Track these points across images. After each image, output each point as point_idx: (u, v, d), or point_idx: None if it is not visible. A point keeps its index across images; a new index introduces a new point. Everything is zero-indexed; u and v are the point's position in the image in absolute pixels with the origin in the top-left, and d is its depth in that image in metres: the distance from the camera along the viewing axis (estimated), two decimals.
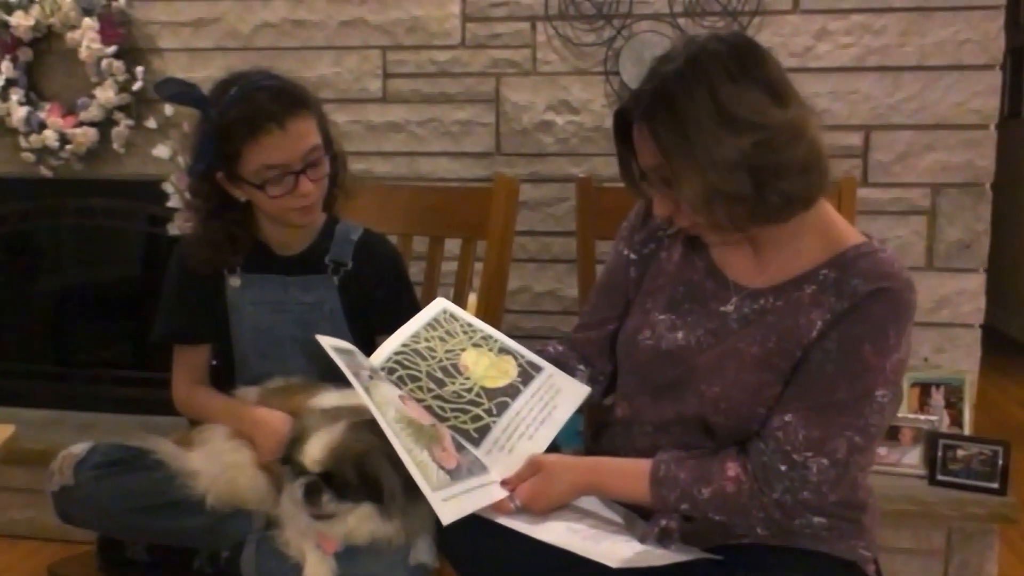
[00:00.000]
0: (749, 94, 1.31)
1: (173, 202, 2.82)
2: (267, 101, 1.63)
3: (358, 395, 1.40)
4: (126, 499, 1.62)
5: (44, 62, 2.95)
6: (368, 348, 1.54)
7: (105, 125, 2.87)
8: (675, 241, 1.56)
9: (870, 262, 1.37)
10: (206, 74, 2.78)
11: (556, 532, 1.37)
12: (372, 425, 1.38)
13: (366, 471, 1.46)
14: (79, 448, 1.68)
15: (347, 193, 1.82)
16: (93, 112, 2.85)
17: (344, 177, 1.81)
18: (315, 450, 1.47)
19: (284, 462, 1.53)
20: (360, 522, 1.50)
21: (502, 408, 1.49)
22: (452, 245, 2.11)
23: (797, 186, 1.34)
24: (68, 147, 2.88)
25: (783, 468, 1.34)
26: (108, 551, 1.73)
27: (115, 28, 2.82)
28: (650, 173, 1.40)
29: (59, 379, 3.08)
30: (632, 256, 1.60)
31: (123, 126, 2.86)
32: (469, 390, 1.50)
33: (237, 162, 1.65)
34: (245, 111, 1.63)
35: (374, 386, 1.42)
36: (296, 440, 1.51)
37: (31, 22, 2.84)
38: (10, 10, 2.86)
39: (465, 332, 1.59)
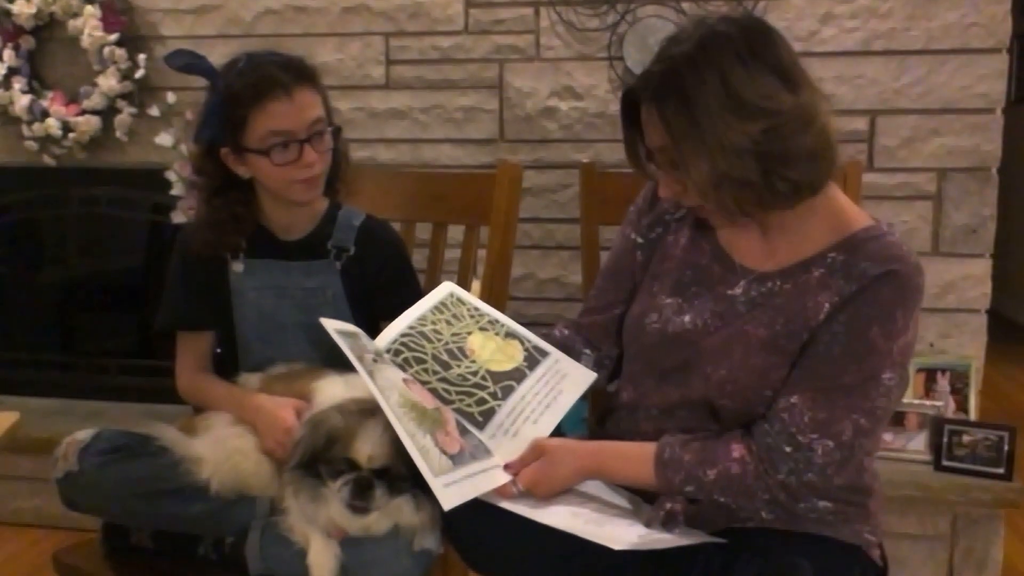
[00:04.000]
0: (760, 79, 1.30)
1: (176, 190, 2.82)
2: (275, 69, 1.66)
3: (362, 379, 1.39)
4: (130, 485, 1.62)
5: (46, 50, 2.95)
6: (371, 334, 1.54)
7: (108, 113, 2.88)
8: (682, 225, 1.55)
9: (879, 245, 1.36)
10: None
11: (559, 516, 1.37)
12: None
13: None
14: (83, 434, 1.67)
15: (347, 185, 1.83)
16: (96, 100, 2.85)
17: (346, 169, 1.81)
18: (368, 447, 1.47)
19: (309, 463, 1.51)
20: (398, 512, 1.50)
21: (507, 392, 1.49)
22: (455, 232, 2.11)
23: (805, 173, 1.33)
24: (71, 135, 2.88)
25: (788, 450, 1.33)
26: (113, 538, 1.73)
27: (117, 16, 2.82)
28: (657, 154, 1.39)
29: (64, 368, 3.09)
30: (639, 240, 1.59)
31: (126, 114, 2.86)
32: (475, 373, 1.50)
33: (243, 130, 1.66)
34: (253, 78, 1.65)
35: (378, 370, 1.42)
36: (335, 440, 1.49)
37: (33, 10, 2.84)
38: None
39: (472, 316, 1.59)
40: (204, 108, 1.71)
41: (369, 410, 1.47)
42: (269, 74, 1.65)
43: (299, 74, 1.67)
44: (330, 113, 1.75)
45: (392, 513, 1.51)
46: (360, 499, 1.48)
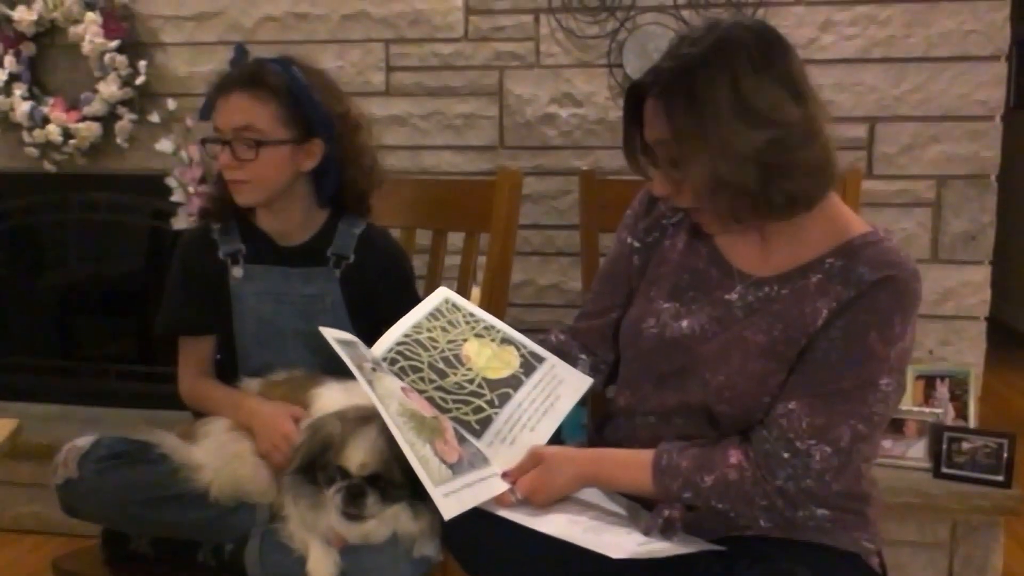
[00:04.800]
0: (770, 88, 1.31)
1: (177, 196, 2.82)
2: (236, 71, 1.76)
3: (361, 388, 1.39)
4: (130, 492, 1.62)
5: (47, 57, 2.95)
6: (370, 342, 1.54)
7: (108, 120, 2.88)
8: (679, 229, 1.55)
9: (876, 251, 1.36)
10: (209, 68, 2.78)
11: (557, 524, 1.37)
12: None
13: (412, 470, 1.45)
14: (83, 441, 1.68)
15: (356, 205, 1.84)
16: (96, 107, 2.85)
17: (354, 189, 1.82)
18: (360, 455, 1.46)
19: (307, 469, 1.52)
20: (395, 520, 1.50)
21: (504, 399, 1.49)
22: (455, 238, 2.11)
23: (803, 187, 1.34)
24: (71, 142, 2.88)
25: (786, 455, 1.33)
26: (112, 545, 1.73)
27: (118, 22, 2.82)
28: (657, 150, 1.39)
29: (64, 374, 3.09)
30: (636, 244, 1.59)
31: (126, 120, 2.87)
32: (471, 381, 1.50)
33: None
34: (226, 74, 1.78)
35: (377, 379, 1.42)
36: (329, 447, 1.50)
37: (34, 17, 2.84)
38: (13, 4, 2.87)
39: (467, 322, 1.59)
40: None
41: (369, 417, 1.47)
42: (227, 74, 1.76)
43: (244, 80, 1.71)
44: (328, 132, 1.74)
45: (389, 521, 1.50)
46: (353, 507, 1.47)
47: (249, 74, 1.72)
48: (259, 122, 1.70)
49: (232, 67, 1.84)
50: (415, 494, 1.44)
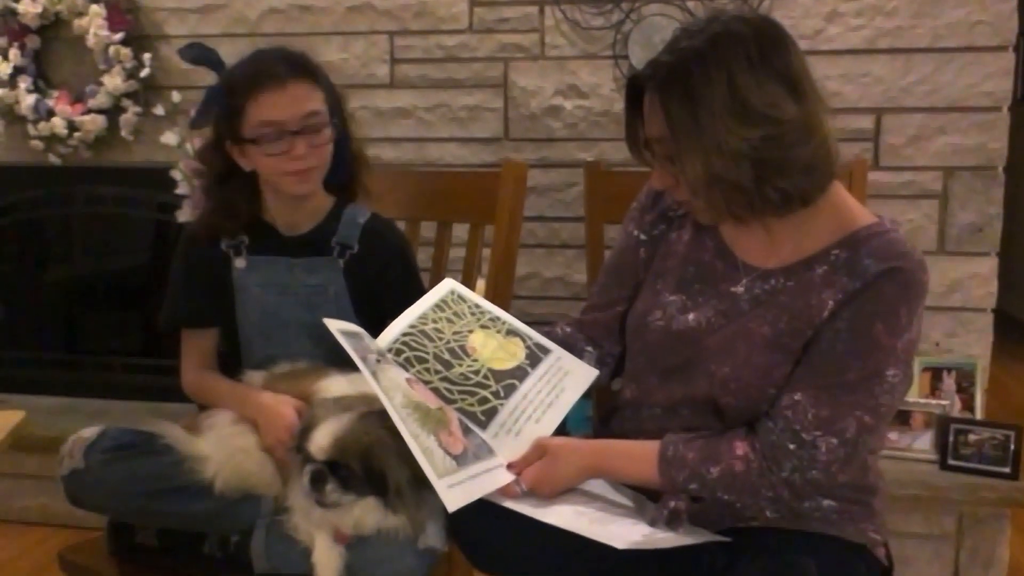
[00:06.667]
0: (766, 85, 1.30)
1: (182, 189, 2.82)
2: (272, 61, 1.70)
3: (365, 380, 1.39)
4: (135, 483, 1.62)
5: (52, 49, 2.96)
6: (373, 332, 1.54)
7: (113, 112, 2.88)
8: (685, 222, 1.55)
9: (882, 242, 1.36)
10: None
11: (563, 515, 1.37)
12: (381, 416, 1.38)
13: (372, 464, 1.45)
14: (89, 432, 1.68)
15: (365, 188, 1.84)
16: (101, 99, 2.86)
17: (363, 172, 1.83)
18: (322, 439, 1.47)
19: (297, 451, 1.53)
20: (366, 514, 1.50)
21: (509, 391, 1.49)
22: (460, 231, 2.11)
23: (798, 185, 1.33)
24: (76, 135, 2.89)
25: (792, 447, 1.33)
26: (118, 537, 1.73)
27: (122, 15, 2.82)
28: (654, 144, 1.39)
29: (69, 366, 3.10)
30: (642, 236, 1.59)
31: (131, 113, 2.87)
32: (476, 372, 1.50)
33: (240, 119, 1.68)
34: (251, 69, 1.70)
35: (381, 370, 1.42)
36: (306, 429, 1.51)
37: (38, 9, 2.85)
38: None
39: (473, 313, 1.59)
40: (204, 95, 1.76)
41: (354, 405, 1.47)
42: (266, 66, 1.69)
43: (296, 67, 1.69)
44: (340, 112, 1.76)
45: (366, 514, 1.49)
46: (314, 491, 1.47)
47: (297, 62, 1.70)
48: (319, 106, 1.70)
49: (193, 64, 1.81)
50: (377, 491, 1.46)
